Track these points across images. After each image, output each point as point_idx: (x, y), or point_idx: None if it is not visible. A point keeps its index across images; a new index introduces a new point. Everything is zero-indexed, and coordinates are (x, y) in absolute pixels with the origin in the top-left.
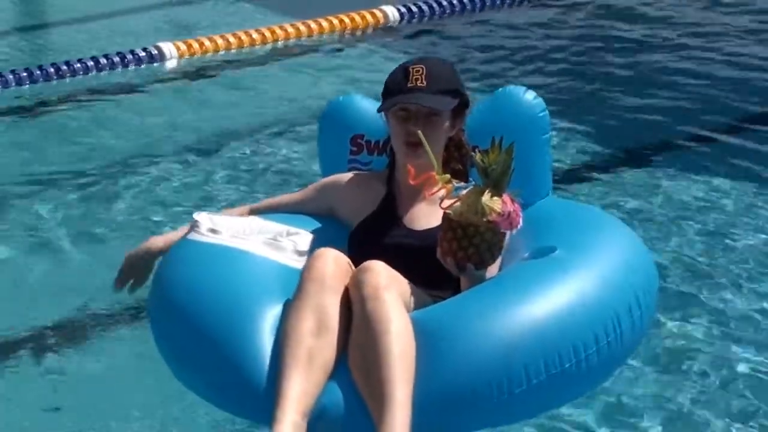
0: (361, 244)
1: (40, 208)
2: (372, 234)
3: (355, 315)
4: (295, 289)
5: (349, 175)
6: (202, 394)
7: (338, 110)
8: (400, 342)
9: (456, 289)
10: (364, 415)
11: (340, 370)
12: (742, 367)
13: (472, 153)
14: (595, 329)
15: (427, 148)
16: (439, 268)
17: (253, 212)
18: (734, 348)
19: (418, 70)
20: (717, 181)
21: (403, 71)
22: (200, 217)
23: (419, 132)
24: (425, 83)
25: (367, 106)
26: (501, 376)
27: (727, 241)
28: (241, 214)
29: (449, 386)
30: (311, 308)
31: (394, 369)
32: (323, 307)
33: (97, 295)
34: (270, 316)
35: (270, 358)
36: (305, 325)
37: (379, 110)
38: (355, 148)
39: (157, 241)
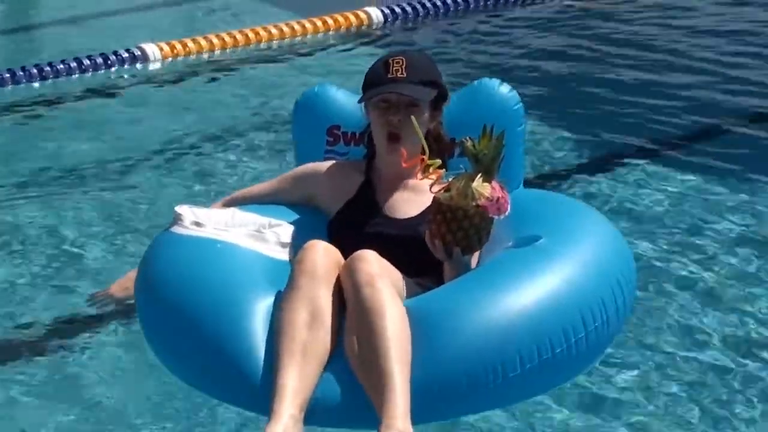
0: (341, 233)
1: (21, 210)
2: (352, 222)
3: (349, 303)
4: (287, 282)
5: (327, 163)
6: (196, 384)
7: (313, 100)
8: (396, 327)
9: (438, 278)
10: (359, 405)
11: (334, 360)
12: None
13: (464, 140)
14: (583, 314)
15: (418, 130)
16: (420, 256)
17: (227, 205)
18: (715, 344)
19: (398, 62)
20: (702, 180)
21: (384, 63)
22: (182, 209)
23: (412, 117)
24: (405, 74)
25: (342, 97)
26: (496, 361)
27: (709, 241)
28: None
29: (446, 372)
30: (304, 300)
31: (391, 354)
32: (316, 299)
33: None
34: (261, 307)
35: (264, 348)
36: (299, 317)
37: (360, 101)
38: (331, 139)
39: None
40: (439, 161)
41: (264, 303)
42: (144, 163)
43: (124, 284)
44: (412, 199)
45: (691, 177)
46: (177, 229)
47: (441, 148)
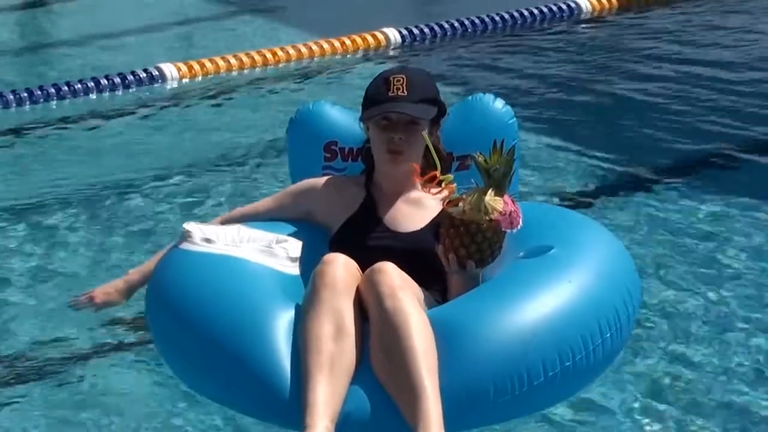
0: (346, 247)
1: (37, 229)
2: (356, 237)
3: (372, 315)
4: (309, 295)
5: (325, 178)
6: (222, 400)
7: (308, 117)
8: (422, 337)
9: (443, 291)
10: (388, 416)
11: (359, 372)
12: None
13: (474, 155)
14: (600, 322)
15: (431, 146)
16: (425, 270)
17: (225, 223)
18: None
19: (399, 80)
20: (724, 206)
21: (384, 81)
22: (190, 226)
23: (424, 133)
24: (406, 92)
25: (336, 113)
26: (521, 369)
27: (729, 266)
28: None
29: (472, 382)
30: (328, 313)
31: (420, 363)
32: (339, 312)
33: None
34: (282, 321)
35: (290, 361)
36: (324, 330)
37: (361, 119)
38: (328, 155)
39: (134, 275)
40: (451, 176)
41: (285, 317)
42: (160, 185)
43: (106, 290)
44: (414, 213)
45: (705, 202)
46: (188, 246)
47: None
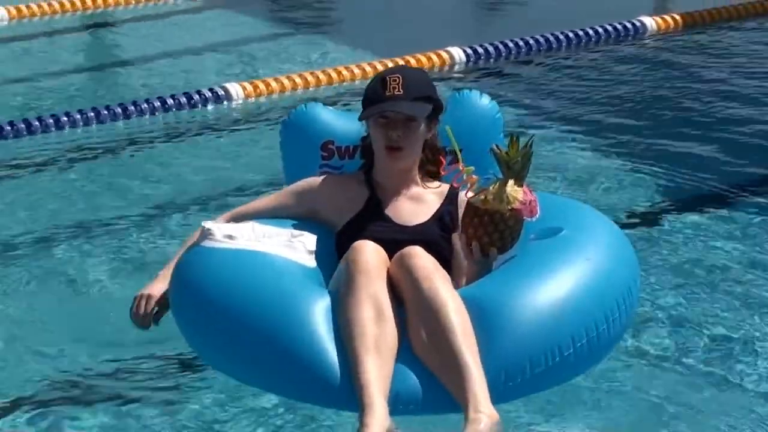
0: (355, 241)
1: (102, 247)
2: (365, 231)
3: (408, 298)
4: (345, 282)
5: (327, 177)
6: (273, 388)
7: (303, 118)
8: (461, 317)
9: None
10: (434, 394)
11: (401, 353)
12: None
13: (492, 148)
14: (616, 297)
15: (454, 141)
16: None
17: (229, 221)
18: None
19: (395, 79)
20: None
21: (381, 80)
22: (210, 225)
23: (448, 128)
24: (402, 91)
25: (329, 114)
26: (552, 343)
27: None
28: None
29: (508, 356)
30: (366, 298)
31: (462, 344)
32: (376, 295)
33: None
34: (320, 308)
35: (336, 346)
36: (365, 314)
37: (360, 118)
38: (326, 154)
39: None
40: (473, 168)
41: (322, 305)
42: (225, 204)
43: (160, 287)
44: (417, 207)
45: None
46: (211, 244)
47: (435, 156)
